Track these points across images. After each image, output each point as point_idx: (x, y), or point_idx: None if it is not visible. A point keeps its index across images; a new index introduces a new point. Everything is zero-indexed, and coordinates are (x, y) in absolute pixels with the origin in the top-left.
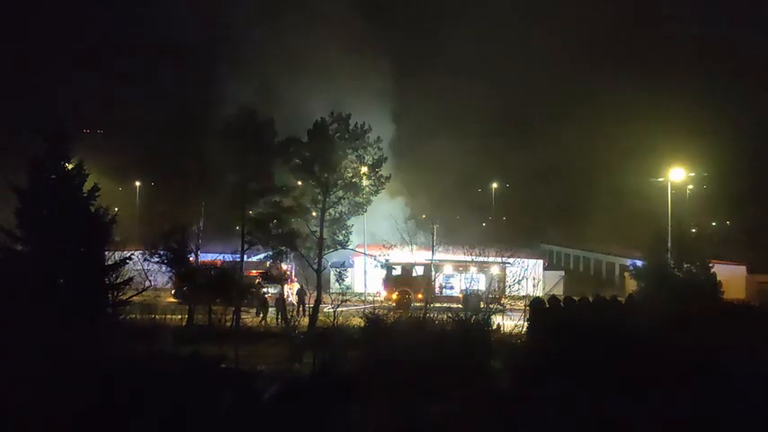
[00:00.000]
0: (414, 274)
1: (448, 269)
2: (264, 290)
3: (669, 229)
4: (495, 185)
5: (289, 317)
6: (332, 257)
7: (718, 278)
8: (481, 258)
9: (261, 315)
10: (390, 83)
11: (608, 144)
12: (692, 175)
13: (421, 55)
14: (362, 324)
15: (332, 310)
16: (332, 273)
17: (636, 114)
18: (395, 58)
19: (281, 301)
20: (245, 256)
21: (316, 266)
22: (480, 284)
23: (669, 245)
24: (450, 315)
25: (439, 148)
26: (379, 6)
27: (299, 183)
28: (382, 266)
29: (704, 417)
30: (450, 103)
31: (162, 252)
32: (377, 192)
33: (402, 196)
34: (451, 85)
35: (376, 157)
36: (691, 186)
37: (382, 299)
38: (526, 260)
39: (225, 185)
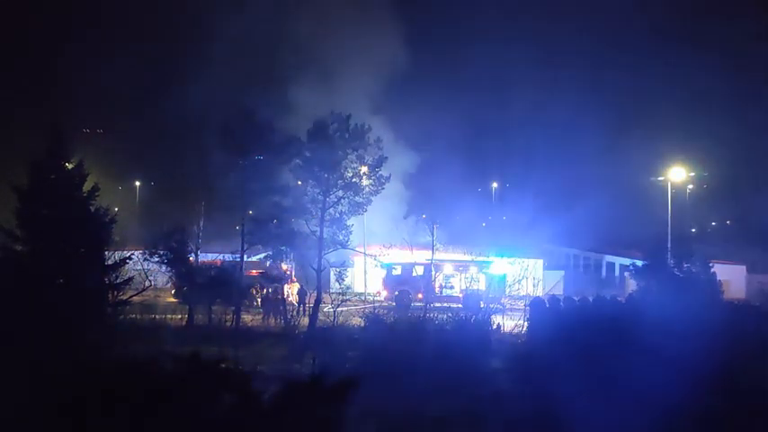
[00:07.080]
0: (414, 274)
1: (448, 269)
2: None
3: (669, 228)
4: (495, 185)
5: (289, 317)
6: (332, 257)
7: (718, 278)
8: (481, 258)
9: (266, 315)
10: (391, 81)
11: (608, 143)
12: (693, 174)
13: (422, 52)
14: (362, 324)
15: (332, 310)
16: (332, 273)
17: (636, 114)
18: (395, 54)
19: (280, 300)
20: (245, 256)
21: (316, 266)
22: (480, 284)
23: (669, 245)
24: (450, 315)
25: (439, 147)
26: None
27: (299, 183)
28: (382, 266)
29: None
30: (450, 102)
31: (162, 252)
32: (377, 192)
33: (402, 196)
34: (452, 83)
35: (376, 157)
36: (691, 186)
37: (382, 299)
38: (526, 260)
39: (225, 185)
